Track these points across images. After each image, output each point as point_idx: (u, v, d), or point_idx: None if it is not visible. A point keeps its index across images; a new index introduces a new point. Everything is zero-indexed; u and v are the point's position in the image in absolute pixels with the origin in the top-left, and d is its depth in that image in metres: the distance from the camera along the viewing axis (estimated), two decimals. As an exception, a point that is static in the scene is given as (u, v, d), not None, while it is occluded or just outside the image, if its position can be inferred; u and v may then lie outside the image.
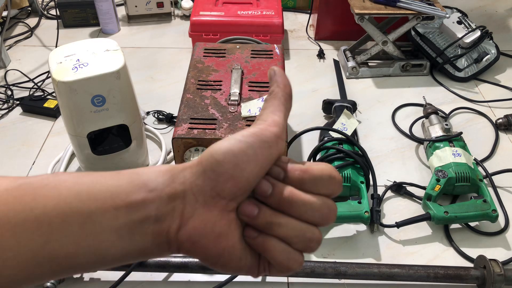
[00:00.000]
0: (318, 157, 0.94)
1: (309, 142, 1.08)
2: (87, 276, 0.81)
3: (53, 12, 1.62)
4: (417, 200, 0.95)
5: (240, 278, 0.79)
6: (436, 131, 1.02)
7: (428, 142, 1.01)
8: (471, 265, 0.83)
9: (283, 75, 0.35)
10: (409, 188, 0.97)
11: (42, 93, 1.21)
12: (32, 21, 1.58)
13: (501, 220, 0.91)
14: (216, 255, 0.30)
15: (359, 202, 0.86)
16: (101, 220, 0.28)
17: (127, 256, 0.30)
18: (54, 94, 1.20)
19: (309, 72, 1.35)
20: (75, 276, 0.80)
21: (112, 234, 0.29)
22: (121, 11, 1.61)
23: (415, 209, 0.94)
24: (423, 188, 0.96)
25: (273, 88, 0.35)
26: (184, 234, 0.30)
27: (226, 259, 0.30)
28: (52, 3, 1.66)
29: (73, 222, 0.28)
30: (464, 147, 0.98)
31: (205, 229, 0.30)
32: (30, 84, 1.26)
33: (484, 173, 1.00)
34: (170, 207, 0.29)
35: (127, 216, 0.29)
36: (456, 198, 0.95)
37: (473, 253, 0.84)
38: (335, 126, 0.99)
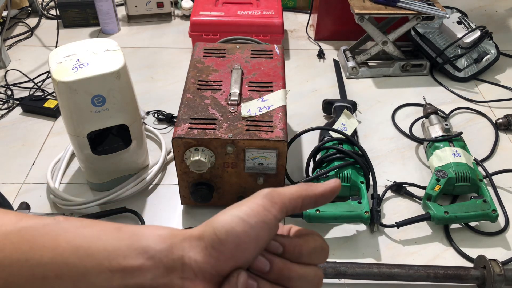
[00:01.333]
0: (318, 157, 0.94)
1: (309, 142, 1.08)
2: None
3: (53, 12, 1.62)
4: (417, 200, 0.95)
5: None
6: (436, 131, 1.02)
7: (428, 142, 1.01)
8: (471, 265, 0.83)
9: (335, 191, 0.34)
10: (409, 188, 0.97)
11: (42, 93, 1.21)
12: (32, 21, 1.58)
13: (501, 220, 0.91)
14: None
15: (359, 202, 0.86)
16: (95, 281, 0.28)
17: None
18: (54, 94, 1.20)
19: (309, 72, 1.35)
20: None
21: None
22: (121, 11, 1.61)
23: (415, 209, 0.94)
24: (423, 188, 0.96)
25: (321, 184, 0.34)
26: None
27: None
28: (52, 3, 1.66)
29: (67, 279, 0.28)
30: (464, 147, 0.98)
31: None
32: (30, 84, 1.26)
33: (484, 173, 1.00)
34: (167, 280, 0.29)
35: (121, 280, 0.28)
36: (456, 198, 0.95)
37: (473, 253, 0.84)
38: (335, 126, 0.99)
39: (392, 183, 0.97)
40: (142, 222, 0.90)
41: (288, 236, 0.33)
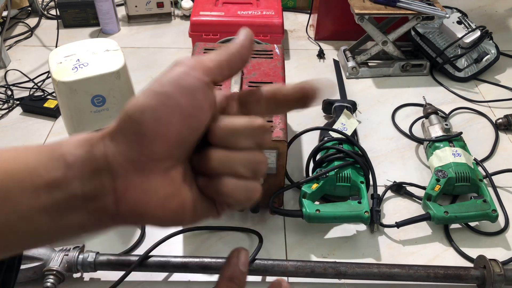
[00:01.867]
0: (318, 157, 0.94)
1: (309, 142, 1.08)
2: (87, 276, 0.81)
3: (53, 12, 1.62)
4: (417, 200, 0.95)
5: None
6: (436, 131, 1.02)
7: (428, 142, 1.01)
8: (471, 265, 0.83)
9: (247, 38, 0.31)
10: (409, 188, 0.97)
11: (42, 93, 1.21)
12: (32, 21, 1.58)
13: (501, 220, 0.91)
14: (168, 217, 0.28)
15: (359, 202, 0.86)
16: (21, 201, 0.26)
17: (67, 233, 0.28)
18: (54, 94, 1.20)
19: (309, 72, 1.35)
20: (75, 275, 0.80)
21: (40, 214, 0.26)
22: (121, 11, 1.61)
23: (415, 209, 0.94)
24: (423, 188, 0.96)
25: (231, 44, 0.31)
26: (126, 209, 0.27)
27: (180, 216, 0.28)
28: (52, 3, 1.66)
29: None
30: (464, 147, 0.98)
31: (148, 198, 0.27)
32: (30, 84, 1.26)
33: (484, 173, 1.00)
34: (97, 183, 0.27)
35: (49, 195, 0.26)
36: (456, 198, 0.95)
37: (473, 253, 0.84)
38: (335, 126, 0.99)
39: (392, 183, 0.97)
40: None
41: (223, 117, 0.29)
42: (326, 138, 0.95)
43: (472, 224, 0.90)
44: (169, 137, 0.27)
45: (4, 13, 1.46)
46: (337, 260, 0.82)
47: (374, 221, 0.86)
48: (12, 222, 0.26)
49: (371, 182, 0.92)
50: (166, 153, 0.27)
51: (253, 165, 0.29)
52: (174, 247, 0.85)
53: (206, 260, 0.78)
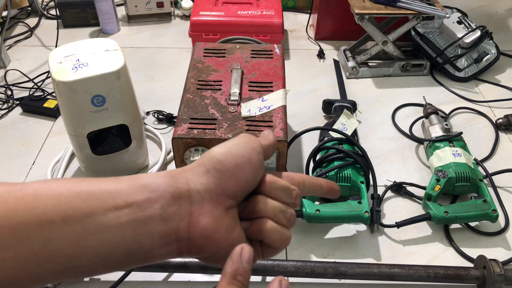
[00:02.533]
0: (318, 157, 0.94)
1: (309, 142, 1.08)
2: (87, 276, 0.81)
3: (53, 12, 1.62)
4: (417, 200, 0.95)
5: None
6: (436, 131, 1.02)
7: (428, 142, 1.01)
8: (471, 265, 0.83)
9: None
10: (409, 188, 0.97)
11: (42, 93, 1.21)
12: (32, 21, 1.58)
13: (501, 220, 0.91)
14: (227, 247, 0.31)
15: (359, 202, 0.86)
16: (103, 220, 0.28)
17: (132, 258, 0.30)
18: (54, 94, 1.20)
19: (309, 72, 1.35)
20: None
21: (115, 234, 0.28)
22: (121, 11, 1.61)
23: (415, 209, 0.94)
24: (423, 188, 0.96)
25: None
26: (197, 231, 0.31)
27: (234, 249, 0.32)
28: (52, 3, 1.66)
29: (74, 221, 0.28)
30: (464, 147, 0.98)
31: (217, 224, 0.31)
32: (30, 84, 1.26)
33: (484, 173, 1.00)
34: (176, 207, 0.30)
35: (130, 215, 0.29)
36: (456, 198, 0.95)
37: (473, 253, 0.84)
38: (335, 126, 0.99)
39: (392, 183, 0.97)
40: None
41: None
42: (326, 138, 0.95)
43: (472, 224, 0.90)
44: (240, 180, 0.33)
45: (4, 13, 1.45)
46: (337, 260, 0.82)
47: (374, 221, 0.86)
48: (88, 243, 0.28)
49: (371, 182, 0.92)
50: (234, 193, 0.33)
51: (288, 215, 0.35)
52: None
53: (206, 260, 0.78)
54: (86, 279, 0.80)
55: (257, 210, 0.34)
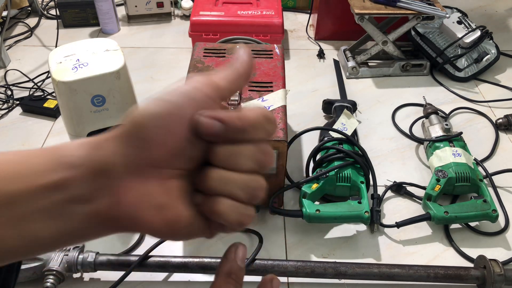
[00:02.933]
0: (318, 157, 0.94)
1: (309, 142, 1.08)
2: (87, 276, 0.81)
3: (53, 12, 1.62)
4: (417, 200, 0.95)
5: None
6: (436, 131, 1.02)
7: (428, 142, 1.01)
8: (471, 265, 0.83)
9: (248, 55, 0.31)
10: (409, 188, 0.97)
11: (42, 93, 1.21)
12: (32, 21, 1.58)
13: (501, 220, 0.91)
14: (161, 227, 0.28)
15: (359, 202, 0.86)
16: (27, 202, 0.26)
17: (61, 239, 0.28)
18: (54, 94, 1.20)
19: (309, 72, 1.35)
20: (74, 275, 0.80)
21: (40, 216, 0.27)
22: (121, 11, 1.61)
23: (415, 209, 0.94)
24: (423, 188, 0.95)
25: (234, 62, 0.31)
26: (119, 211, 0.27)
27: (173, 229, 0.28)
28: (52, 3, 1.66)
29: (1, 207, 0.26)
30: (464, 147, 0.98)
31: (143, 203, 0.27)
32: (30, 84, 1.26)
33: (484, 173, 1.00)
34: (97, 185, 0.27)
35: (49, 197, 0.27)
36: (456, 198, 0.95)
37: (473, 253, 0.84)
38: (335, 126, 0.99)
39: (392, 183, 0.97)
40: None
41: (222, 111, 0.29)
42: (326, 138, 0.95)
43: (472, 224, 0.90)
44: (169, 145, 0.27)
45: (4, 13, 1.46)
46: (337, 260, 0.82)
47: (374, 221, 0.86)
48: (15, 225, 0.26)
49: (371, 182, 0.92)
50: (165, 161, 0.27)
51: (250, 190, 0.28)
52: (174, 247, 0.85)
53: (206, 260, 0.78)
54: (86, 279, 0.80)
55: (208, 186, 0.28)
